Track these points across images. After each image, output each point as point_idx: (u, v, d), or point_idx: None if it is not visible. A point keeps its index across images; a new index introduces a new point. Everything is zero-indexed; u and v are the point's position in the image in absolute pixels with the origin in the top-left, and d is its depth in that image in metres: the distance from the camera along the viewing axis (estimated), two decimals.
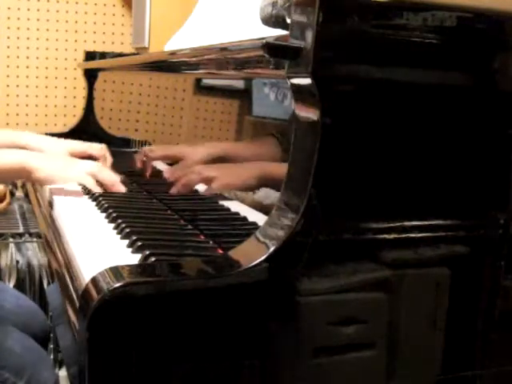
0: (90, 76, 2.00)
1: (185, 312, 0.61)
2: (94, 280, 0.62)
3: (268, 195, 0.88)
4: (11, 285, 1.84)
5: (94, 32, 2.36)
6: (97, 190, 1.11)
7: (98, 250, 0.83)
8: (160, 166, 1.38)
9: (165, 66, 1.30)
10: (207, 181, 1.04)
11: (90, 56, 2.09)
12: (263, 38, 0.65)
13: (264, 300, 0.63)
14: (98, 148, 1.30)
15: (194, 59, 1.07)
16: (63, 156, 1.22)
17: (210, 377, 0.63)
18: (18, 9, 2.26)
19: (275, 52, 0.65)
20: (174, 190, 1.11)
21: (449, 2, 0.69)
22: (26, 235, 1.92)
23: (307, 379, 0.67)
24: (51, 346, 1.62)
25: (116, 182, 1.13)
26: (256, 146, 0.94)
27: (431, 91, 0.69)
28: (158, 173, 1.35)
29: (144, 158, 1.33)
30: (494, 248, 0.75)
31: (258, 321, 0.64)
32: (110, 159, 1.30)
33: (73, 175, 1.11)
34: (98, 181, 1.12)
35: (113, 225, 0.94)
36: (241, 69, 0.88)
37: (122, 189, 1.13)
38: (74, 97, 2.34)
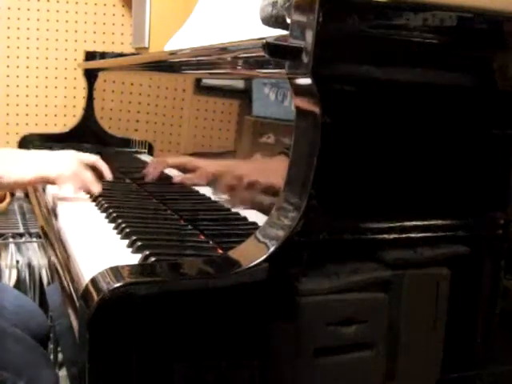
0: (90, 76, 1.99)
1: (185, 312, 0.61)
2: (93, 280, 0.62)
3: (268, 195, 0.88)
4: (11, 285, 1.84)
5: (94, 32, 2.36)
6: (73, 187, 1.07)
7: (98, 250, 0.83)
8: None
9: (165, 66, 1.30)
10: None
11: (90, 56, 2.08)
12: (263, 38, 0.65)
13: (264, 300, 0.63)
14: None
15: (193, 59, 1.07)
16: (38, 154, 1.15)
17: (210, 377, 0.63)
18: (18, 9, 2.26)
19: (275, 52, 0.65)
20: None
21: (449, 2, 0.69)
22: (26, 235, 1.92)
23: (307, 379, 0.67)
24: (51, 345, 1.62)
25: (88, 184, 1.08)
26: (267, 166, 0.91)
27: (431, 91, 0.69)
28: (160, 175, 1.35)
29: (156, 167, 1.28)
30: (494, 248, 0.75)
31: (258, 321, 0.64)
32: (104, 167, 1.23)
33: (44, 173, 1.06)
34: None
35: (113, 225, 0.94)
36: (241, 69, 0.88)
37: (95, 189, 1.08)
38: (74, 97, 2.34)
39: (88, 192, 1.11)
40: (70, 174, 1.08)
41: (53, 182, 1.10)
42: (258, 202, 0.90)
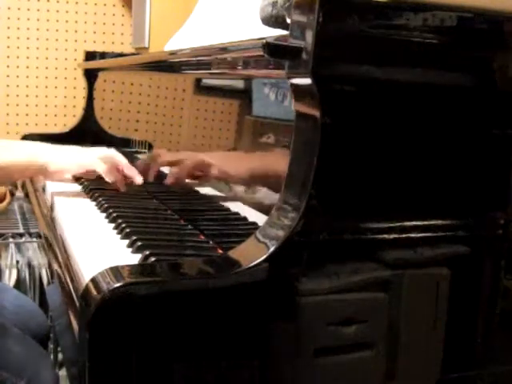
0: (90, 76, 1.99)
1: (185, 312, 0.61)
2: (93, 280, 0.62)
3: (268, 195, 0.88)
4: (11, 285, 1.84)
5: (94, 32, 2.36)
6: (108, 177, 1.10)
7: (98, 249, 0.83)
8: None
9: (165, 66, 1.30)
10: (202, 166, 1.03)
11: (90, 56, 2.08)
12: (263, 38, 0.65)
13: (264, 300, 0.63)
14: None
15: (193, 59, 1.07)
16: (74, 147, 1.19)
17: (209, 377, 0.63)
18: (18, 9, 2.26)
19: (275, 52, 0.65)
20: (169, 180, 1.10)
21: (449, 2, 0.69)
22: (26, 235, 1.92)
23: (307, 379, 0.67)
24: (51, 345, 1.62)
25: (132, 170, 1.11)
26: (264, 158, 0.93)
27: (431, 91, 0.69)
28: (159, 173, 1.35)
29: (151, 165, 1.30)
30: (494, 248, 0.75)
31: (258, 321, 0.64)
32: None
33: (85, 161, 1.10)
34: (112, 167, 1.11)
35: (113, 225, 0.94)
36: (241, 69, 0.88)
37: (139, 180, 1.11)
38: (74, 97, 2.34)
39: (129, 184, 1.12)
40: (110, 167, 1.11)
41: (92, 172, 1.12)
42: (257, 201, 0.90)
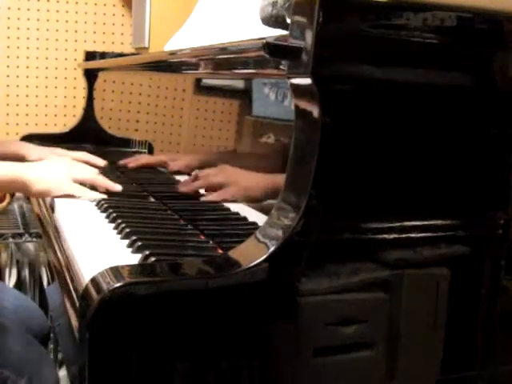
0: (90, 76, 1.99)
1: (185, 312, 0.61)
2: (94, 280, 0.62)
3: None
4: (11, 284, 1.84)
5: (94, 32, 2.36)
6: (100, 196, 1.11)
7: (98, 249, 0.83)
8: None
9: (165, 66, 1.30)
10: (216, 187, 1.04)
11: (90, 56, 2.08)
12: (263, 38, 0.65)
13: (264, 300, 0.63)
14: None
15: (194, 59, 1.07)
16: (59, 165, 1.19)
17: (209, 377, 0.63)
18: (18, 9, 2.26)
19: (275, 52, 0.65)
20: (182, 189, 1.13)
21: (449, 2, 0.69)
22: (26, 235, 1.92)
23: (307, 379, 0.67)
24: (51, 345, 1.62)
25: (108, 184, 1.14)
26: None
27: (431, 91, 0.69)
28: (157, 173, 1.35)
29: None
30: (494, 248, 0.75)
31: (258, 321, 0.64)
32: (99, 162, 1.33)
33: (69, 189, 1.10)
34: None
35: (113, 225, 0.94)
36: (241, 69, 0.88)
37: (118, 188, 1.13)
38: (74, 97, 2.34)
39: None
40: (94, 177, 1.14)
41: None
42: (257, 201, 0.90)
